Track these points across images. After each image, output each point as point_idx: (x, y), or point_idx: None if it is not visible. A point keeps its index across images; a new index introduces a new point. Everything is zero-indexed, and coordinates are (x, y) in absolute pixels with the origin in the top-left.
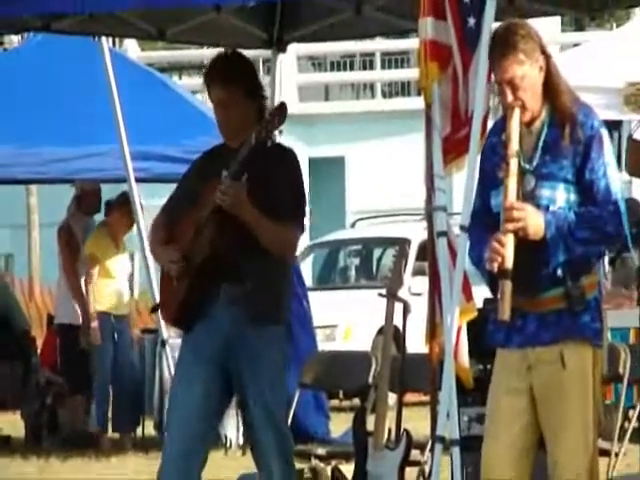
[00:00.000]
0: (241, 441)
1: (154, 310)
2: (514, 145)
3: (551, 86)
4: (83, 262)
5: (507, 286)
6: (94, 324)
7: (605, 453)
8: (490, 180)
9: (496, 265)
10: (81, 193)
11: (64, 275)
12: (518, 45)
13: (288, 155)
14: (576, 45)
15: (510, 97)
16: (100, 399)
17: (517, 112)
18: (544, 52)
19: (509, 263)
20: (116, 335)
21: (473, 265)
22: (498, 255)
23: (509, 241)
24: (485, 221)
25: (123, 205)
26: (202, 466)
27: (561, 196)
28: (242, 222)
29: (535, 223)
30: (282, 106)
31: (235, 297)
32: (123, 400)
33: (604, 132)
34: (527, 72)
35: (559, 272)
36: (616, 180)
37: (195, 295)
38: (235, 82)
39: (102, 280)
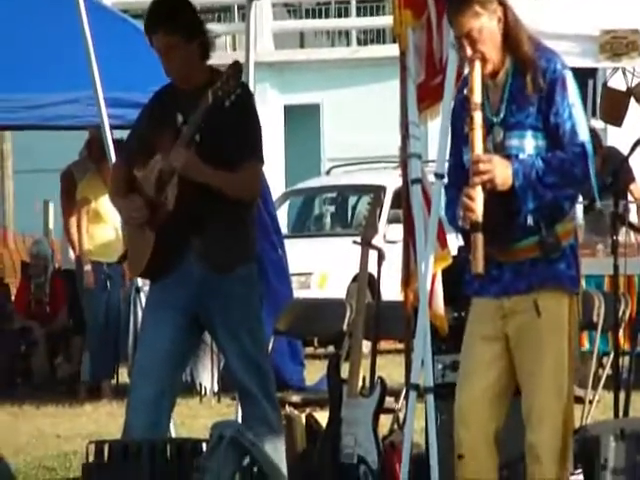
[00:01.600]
0: (216, 389)
1: (121, 261)
2: (476, 98)
3: (511, 36)
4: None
5: (479, 239)
6: (87, 267)
7: (579, 400)
8: (461, 136)
9: (468, 220)
10: (92, 139)
11: (63, 221)
12: None
13: (242, 100)
14: None
15: (469, 51)
16: (94, 350)
17: (478, 65)
18: (501, 2)
19: (479, 216)
20: (108, 283)
21: (448, 223)
22: (469, 210)
23: (478, 194)
24: (460, 178)
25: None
26: (170, 410)
27: (529, 143)
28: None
29: (502, 173)
30: (236, 65)
31: (202, 248)
32: (101, 348)
33: (568, 74)
34: (485, 24)
35: (530, 220)
36: (582, 121)
37: (162, 249)
38: (174, 28)
39: (94, 225)
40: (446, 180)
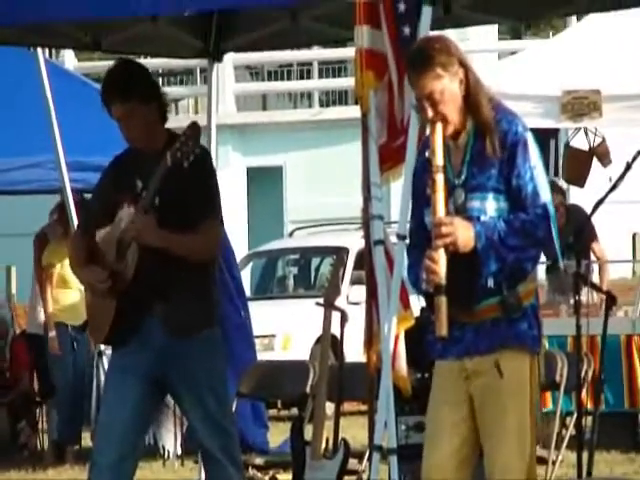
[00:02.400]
0: (179, 452)
1: (83, 328)
2: (438, 160)
3: (472, 97)
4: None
5: (442, 302)
6: (51, 334)
7: (542, 461)
8: (423, 198)
9: (432, 283)
10: (62, 202)
11: (35, 283)
12: (435, 59)
13: (199, 161)
14: (513, 53)
15: (430, 112)
16: (63, 414)
17: (439, 127)
18: (463, 64)
19: (442, 279)
20: (75, 345)
21: (411, 286)
22: (432, 273)
23: (441, 257)
24: (422, 240)
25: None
26: (132, 473)
27: (491, 206)
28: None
29: (464, 236)
30: (194, 126)
31: (164, 315)
32: (67, 412)
33: (529, 136)
34: (446, 86)
35: (491, 282)
36: (543, 183)
37: (124, 317)
38: (129, 96)
39: (60, 290)
40: (408, 241)
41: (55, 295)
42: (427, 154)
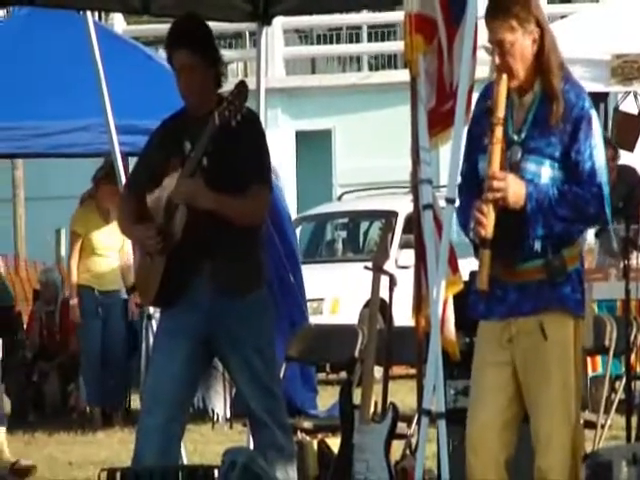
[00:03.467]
0: (228, 415)
1: (130, 291)
2: (500, 113)
3: (544, 61)
4: None
5: (486, 255)
6: (73, 301)
7: (592, 425)
8: (478, 144)
9: (478, 235)
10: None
11: None
12: (512, 10)
13: (248, 123)
14: (563, 17)
15: (498, 60)
16: (87, 377)
17: (504, 78)
18: (540, 25)
19: (489, 232)
20: (101, 310)
21: (461, 229)
22: (480, 225)
23: (490, 210)
24: (473, 185)
25: (108, 175)
26: (180, 436)
27: (546, 172)
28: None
29: (516, 193)
30: (241, 85)
31: (212, 274)
32: (110, 376)
33: (594, 114)
34: (518, 39)
35: (537, 245)
36: (602, 163)
37: (172, 277)
38: (200, 48)
39: (87, 256)
40: (459, 184)
41: (84, 261)
42: (489, 103)
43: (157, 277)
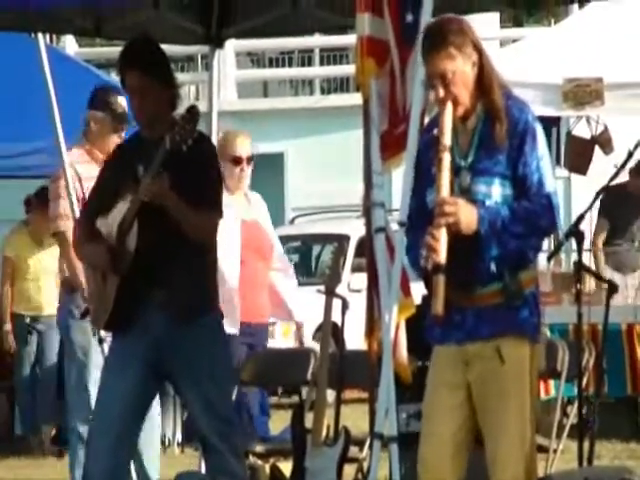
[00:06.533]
0: (180, 439)
1: (84, 315)
2: (446, 140)
3: (484, 82)
4: None
5: (440, 281)
6: (5, 328)
7: (543, 449)
8: (425, 178)
9: (431, 261)
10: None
11: None
12: (449, 39)
13: (201, 146)
14: (515, 41)
15: (442, 92)
16: (21, 403)
17: (449, 107)
18: (477, 47)
19: (442, 258)
20: (35, 337)
21: (410, 266)
22: (432, 251)
23: (442, 235)
24: (422, 221)
25: (44, 200)
26: (129, 460)
27: (496, 191)
28: (163, 224)
29: (467, 217)
30: (192, 109)
31: (164, 298)
32: (47, 402)
33: (538, 127)
34: (459, 67)
35: (493, 267)
36: (549, 174)
37: (123, 304)
38: (152, 70)
39: (20, 281)
40: (408, 222)
41: (18, 286)
42: (435, 132)
43: (108, 303)
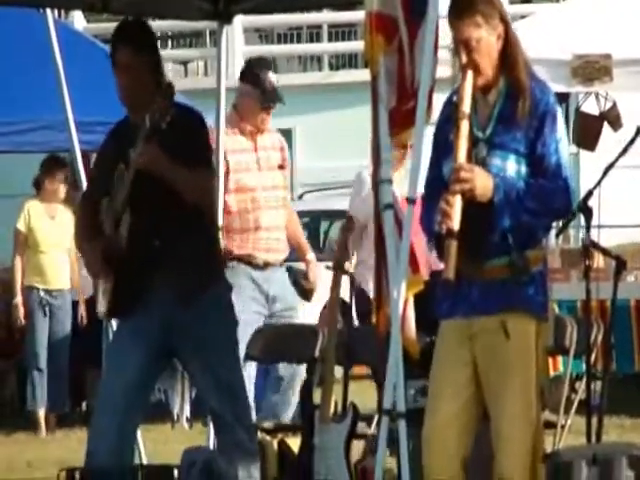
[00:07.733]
0: (188, 415)
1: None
2: (465, 107)
3: (509, 56)
4: None
5: (453, 246)
6: (15, 300)
7: (551, 425)
8: (443, 149)
9: (444, 226)
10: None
11: None
12: (477, 7)
13: (185, 117)
14: (523, 17)
15: (465, 59)
16: (32, 378)
17: (470, 75)
18: (504, 21)
19: (456, 223)
20: (48, 310)
21: (423, 230)
22: (446, 216)
23: (457, 202)
24: (438, 192)
25: (50, 172)
26: (134, 437)
27: (511, 166)
28: (158, 198)
29: (483, 184)
30: (168, 86)
31: (164, 282)
32: (59, 378)
33: (558, 110)
34: (483, 36)
35: (504, 238)
36: (567, 158)
37: (124, 290)
38: (145, 52)
39: (33, 255)
40: (424, 191)
41: (30, 259)
42: (454, 99)
43: (109, 290)
